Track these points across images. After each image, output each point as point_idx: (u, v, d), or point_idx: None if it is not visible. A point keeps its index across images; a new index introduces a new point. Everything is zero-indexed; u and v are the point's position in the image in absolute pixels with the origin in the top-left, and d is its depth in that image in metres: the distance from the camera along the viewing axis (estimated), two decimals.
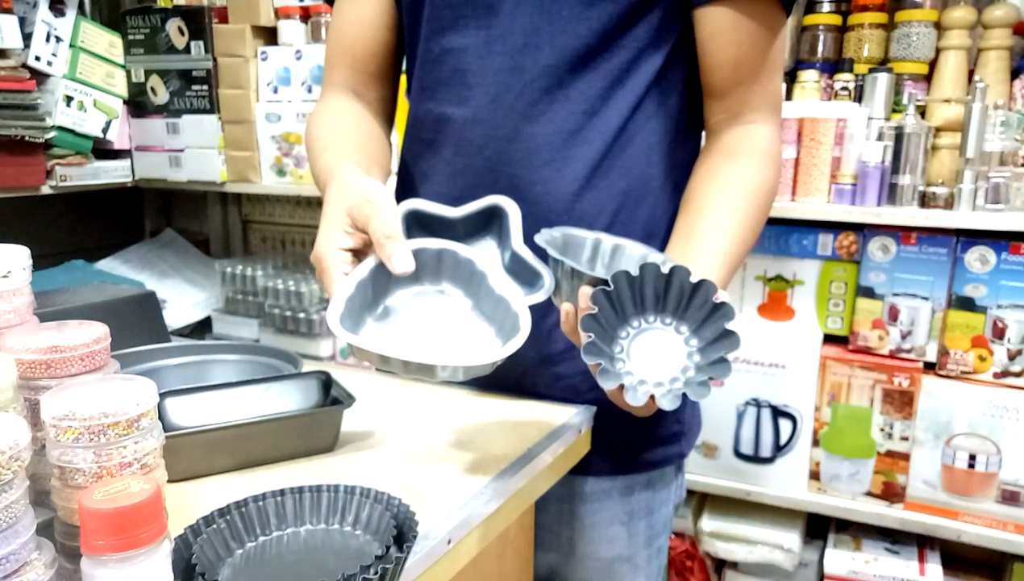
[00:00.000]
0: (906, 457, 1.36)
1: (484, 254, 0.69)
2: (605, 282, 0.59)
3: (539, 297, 0.65)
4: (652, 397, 0.58)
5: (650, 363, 0.60)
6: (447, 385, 0.87)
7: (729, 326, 0.59)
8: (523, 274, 0.67)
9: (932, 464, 1.35)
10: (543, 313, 0.67)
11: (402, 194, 0.89)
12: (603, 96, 0.77)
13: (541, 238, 0.64)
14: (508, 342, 0.62)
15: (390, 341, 0.62)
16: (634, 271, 0.59)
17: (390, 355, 0.58)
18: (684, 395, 0.58)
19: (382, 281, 0.65)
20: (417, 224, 0.70)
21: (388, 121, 0.94)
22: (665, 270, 0.59)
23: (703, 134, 0.85)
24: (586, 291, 0.60)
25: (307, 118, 1.65)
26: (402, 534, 0.51)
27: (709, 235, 0.74)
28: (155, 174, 1.87)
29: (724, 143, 0.80)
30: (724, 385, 1.44)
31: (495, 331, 0.66)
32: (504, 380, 0.84)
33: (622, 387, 0.58)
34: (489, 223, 0.71)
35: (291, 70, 1.69)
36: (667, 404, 0.57)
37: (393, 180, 0.92)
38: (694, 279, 0.59)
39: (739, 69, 0.77)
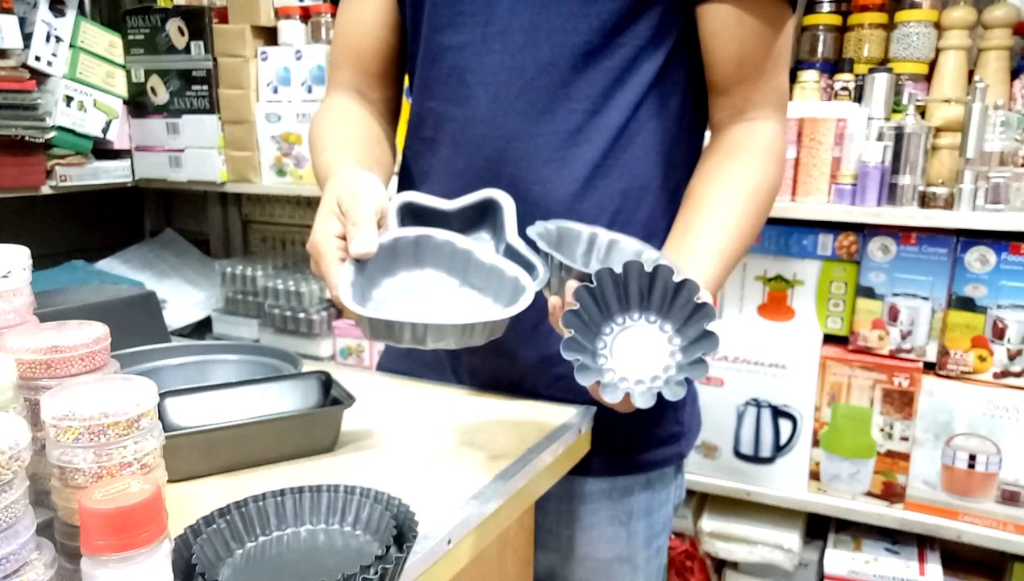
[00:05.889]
0: (906, 457, 1.36)
1: (475, 243, 0.69)
2: (590, 278, 0.59)
3: (534, 286, 0.65)
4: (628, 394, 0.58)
5: (632, 360, 0.60)
6: (447, 384, 0.88)
7: (709, 327, 0.58)
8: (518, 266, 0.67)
9: (932, 464, 1.35)
10: (543, 313, 0.67)
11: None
12: (604, 95, 0.77)
13: (533, 230, 0.64)
14: (519, 299, 0.62)
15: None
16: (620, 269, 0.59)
17: (421, 322, 0.58)
18: (659, 394, 0.57)
19: (367, 273, 0.65)
20: (412, 217, 0.70)
21: (392, 122, 0.94)
22: (649, 268, 0.59)
23: (707, 135, 0.84)
24: (571, 286, 0.60)
25: (310, 118, 1.66)
26: (402, 534, 0.51)
27: (706, 232, 0.74)
28: (155, 174, 1.87)
29: (727, 140, 0.79)
30: (724, 384, 1.44)
31: (491, 300, 0.66)
32: (504, 380, 0.85)
33: (600, 383, 0.58)
34: (484, 216, 0.71)
35: (291, 70, 1.69)
36: (642, 402, 0.57)
37: (395, 179, 0.92)
38: (677, 278, 0.59)
39: (743, 66, 0.77)
